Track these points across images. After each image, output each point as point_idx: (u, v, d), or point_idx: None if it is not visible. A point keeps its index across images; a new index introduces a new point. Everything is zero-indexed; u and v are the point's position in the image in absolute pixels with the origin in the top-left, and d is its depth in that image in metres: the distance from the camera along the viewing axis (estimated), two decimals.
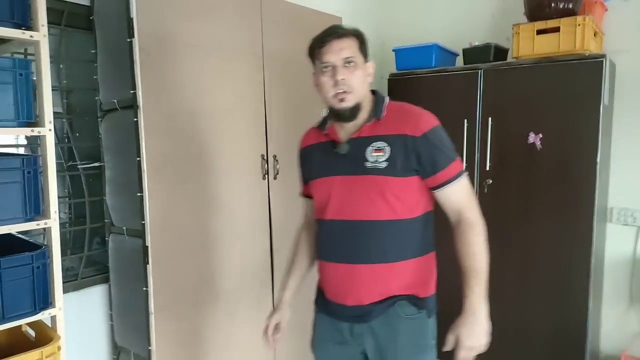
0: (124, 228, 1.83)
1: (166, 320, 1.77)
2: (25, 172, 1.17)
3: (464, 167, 1.31)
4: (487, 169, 2.44)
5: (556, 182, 2.26)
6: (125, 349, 1.88)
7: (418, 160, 1.24)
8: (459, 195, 1.27)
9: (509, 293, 2.40)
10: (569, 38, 2.20)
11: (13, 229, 1.17)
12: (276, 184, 2.18)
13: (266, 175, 2.15)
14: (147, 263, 1.72)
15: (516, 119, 2.34)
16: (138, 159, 1.71)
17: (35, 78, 1.23)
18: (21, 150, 1.94)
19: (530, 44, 2.31)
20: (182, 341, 1.84)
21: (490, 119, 2.41)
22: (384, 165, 1.24)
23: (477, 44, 2.54)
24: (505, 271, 2.39)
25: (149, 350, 1.74)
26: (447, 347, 1.18)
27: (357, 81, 1.25)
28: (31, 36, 1.19)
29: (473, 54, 2.53)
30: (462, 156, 2.46)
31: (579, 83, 2.18)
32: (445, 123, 2.55)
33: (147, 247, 1.72)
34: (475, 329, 1.17)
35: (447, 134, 1.30)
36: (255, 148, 2.11)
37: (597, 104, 2.14)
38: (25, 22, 1.18)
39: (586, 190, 2.19)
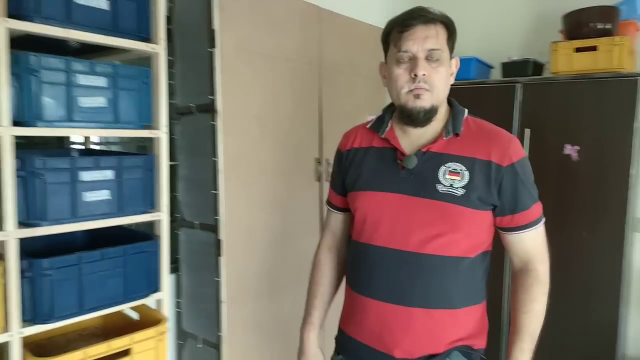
0: (196, 222, 1.98)
1: (234, 309, 1.91)
2: (146, 169, 1.32)
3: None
4: None
5: (590, 192, 2.40)
6: (193, 334, 2.02)
7: (499, 194, 1.05)
8: (534, 243, 1.10)
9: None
10: (607, 56, 2.35)
11: (134, 219, 1.32)
12: (327, 186, 2.32)
13: (319, 178, 2.30)
14: (220, 255, 1.87)
15: (553, 131, 2.48)
16: (214, 159, 1.86)
17: None
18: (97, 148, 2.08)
19: (568, 61, 2.46)
20: (247, 329, 1.98)
21: (526, 130, 2.55)
22: (460, 192, 1.04)
23: (515, 58, 2.69)
24: None
25: (219, 336, 1.88)
26: None
27: (440, 80, 1.05)
28: (153, 48, 1.34)
29: (512, 68, 2.67)
30: None
31: (614, 99, 2.32)
32: None
33: (220, 240, 1.87)
34: None
35: None
36: (310, 152, 2.26)
37: (631, 119, 2.28)
38: (148, 35, 1.33)
39: (619, 201, 2.33)
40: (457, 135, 1.08)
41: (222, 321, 1.88)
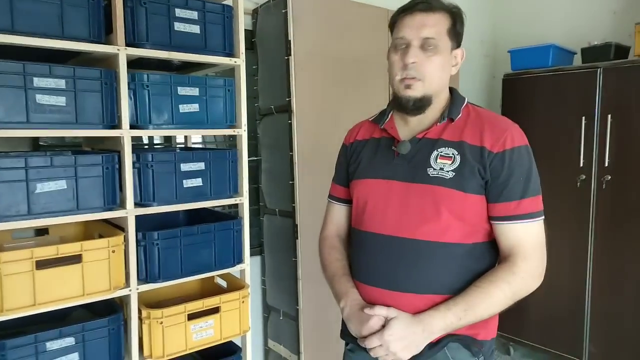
0: (276, 209, 2.25)
1: (310, 286, 2.15)
2: (230, 161, 1.61)
3: (542, 206, 1.05)
4: (606, 165, 2.49)
5: None
6: (275, 308, 2.30)
7: (489, 181, 1.02)
8: (519, 239, 1.02)
9: (628, 288, 2.44)
10: None
11: (222, 202, 1.62)
12: None
13: None
14: (297, 238, 2.12)
15: (636, 116, 2.37)
16: (290, 153, 2.11)
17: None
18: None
19: None
20: (322, 304, 2.20)
21: (609, 116, 2.46)
22: (449, 175, 1.02)
23: (596, 43, 2.59)
24: (624, 266, 2.44)
25: (297, 309, 2.14)
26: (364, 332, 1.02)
27: (432, 69, 1.03)
28: (235, 61, 1.61)
29: (592, 53, 2.59)
30: (579, 153, 2.54)
31: None
32: (563, 120, 2.66)
33: (297, 225, 2.12)
34: (409, 340, 0.98)
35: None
36: None
37: None
38: (231, 51, 1.61)
39: None
40: (451, 120, 1.08)
41: (299, 296, 2.13)
